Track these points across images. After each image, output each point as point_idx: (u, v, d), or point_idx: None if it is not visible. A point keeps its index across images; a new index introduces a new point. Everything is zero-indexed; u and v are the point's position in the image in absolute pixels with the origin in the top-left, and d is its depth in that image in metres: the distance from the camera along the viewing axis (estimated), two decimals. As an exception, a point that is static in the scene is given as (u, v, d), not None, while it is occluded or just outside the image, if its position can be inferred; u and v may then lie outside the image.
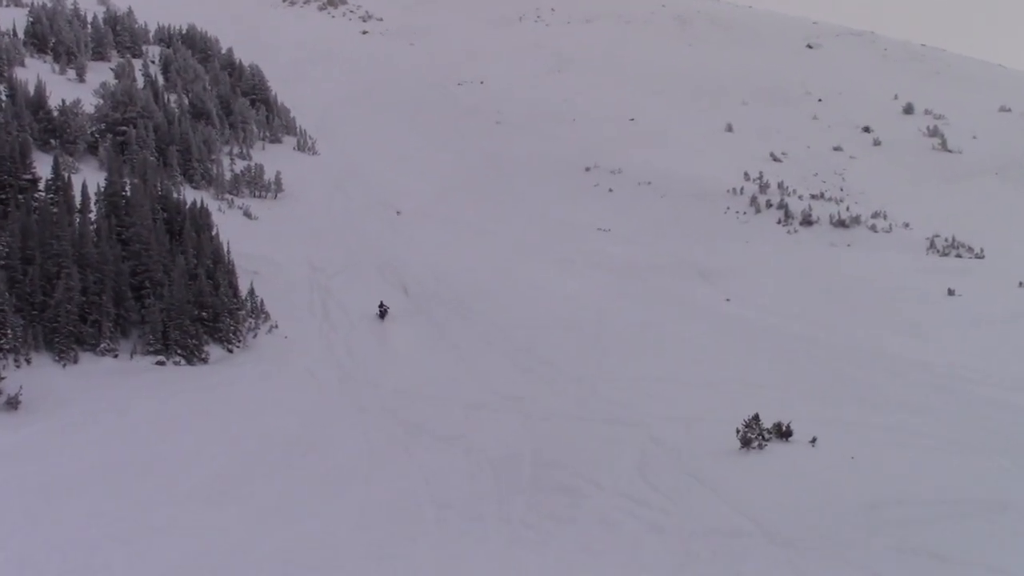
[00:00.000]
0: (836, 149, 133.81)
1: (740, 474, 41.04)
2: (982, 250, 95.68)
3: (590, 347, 62.36)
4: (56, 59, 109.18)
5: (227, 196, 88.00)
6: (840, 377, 56.78)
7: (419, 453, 45.14)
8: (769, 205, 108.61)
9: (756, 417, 44.25)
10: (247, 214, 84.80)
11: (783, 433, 44.64)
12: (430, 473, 42.49)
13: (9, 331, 50.34)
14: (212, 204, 78.08)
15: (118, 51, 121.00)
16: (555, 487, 40.84)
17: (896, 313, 72.16)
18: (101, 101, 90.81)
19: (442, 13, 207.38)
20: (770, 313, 71.84)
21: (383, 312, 67.78)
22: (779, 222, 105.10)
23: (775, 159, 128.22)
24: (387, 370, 57.65)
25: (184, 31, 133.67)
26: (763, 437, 43.82)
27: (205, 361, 57.00)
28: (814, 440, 44.03)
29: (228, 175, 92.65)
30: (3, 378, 47.13)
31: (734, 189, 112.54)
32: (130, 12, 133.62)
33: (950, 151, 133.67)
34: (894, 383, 55.68)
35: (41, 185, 63.12)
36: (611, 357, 60.38)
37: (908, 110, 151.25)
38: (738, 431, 44.12)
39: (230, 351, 58.94)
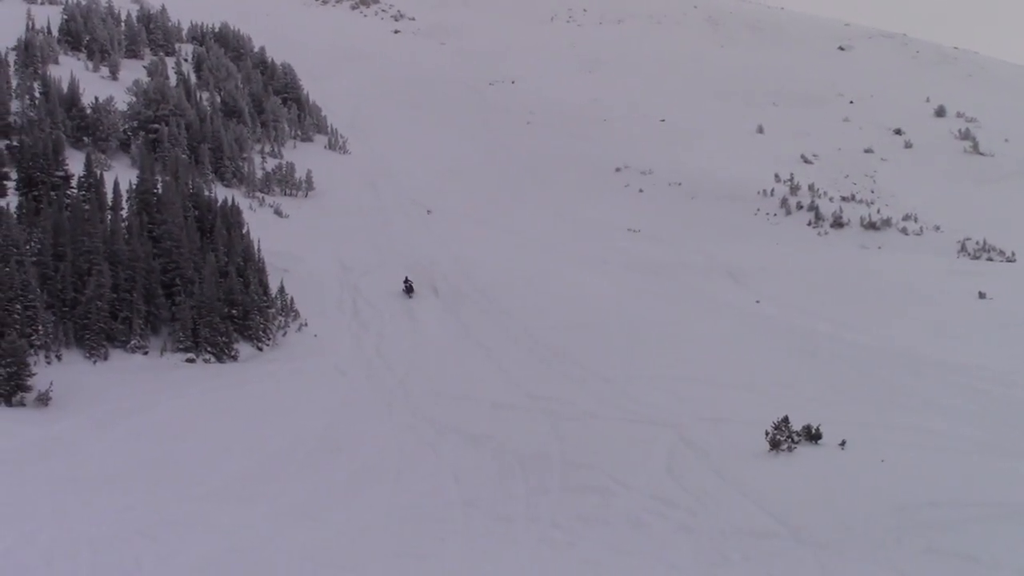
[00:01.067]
0: (867, 151, 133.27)
1: (769, 476, 40.85)
2: (1014, 253, 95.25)
3: (619, 347, 62.22)
4: (90, 57, 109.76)
5: (258, 194, 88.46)
6: (870, 379, 56.43)
7: (448, 452, 45.17)
8: (800, 207, 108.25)
9: (785, 419, 44.08)
10: (278, 212, 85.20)
11: (812, 435, 44.40)
12: (459, 472, 42.51)
13: (40, 328, 50.78)
14: (243, 202, 78.51)
15: (151, 49, 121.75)
16: (584, 487, 40.77)
17: (927, 315, 71.71)
18: (134, 99, 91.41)
19: (474, 13, 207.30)
20: (800, 314, 71.50)
21: (408, 287, 69.71)
22: (809, 224, 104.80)
23: (806, 161, 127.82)
24: (416, 369, 57.67)
25: (217, 29, 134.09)
26: (792, 439, 43.62)
27: (235, 359, 57.32)
28: (843, 443, 43.79)
29: (259, 173, 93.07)
30: (34, 374, 47.55)
31: (765, 190, 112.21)
32: (163, 10, 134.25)
33: (982, 154, 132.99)
34: (925, 385, 55.33)
35: (73, 182, 63.82)
36: (640, 357, 60.23)
37: (940, 112, 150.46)
38: (767, 433, 43.92)
39: (260, 349, 59.23)
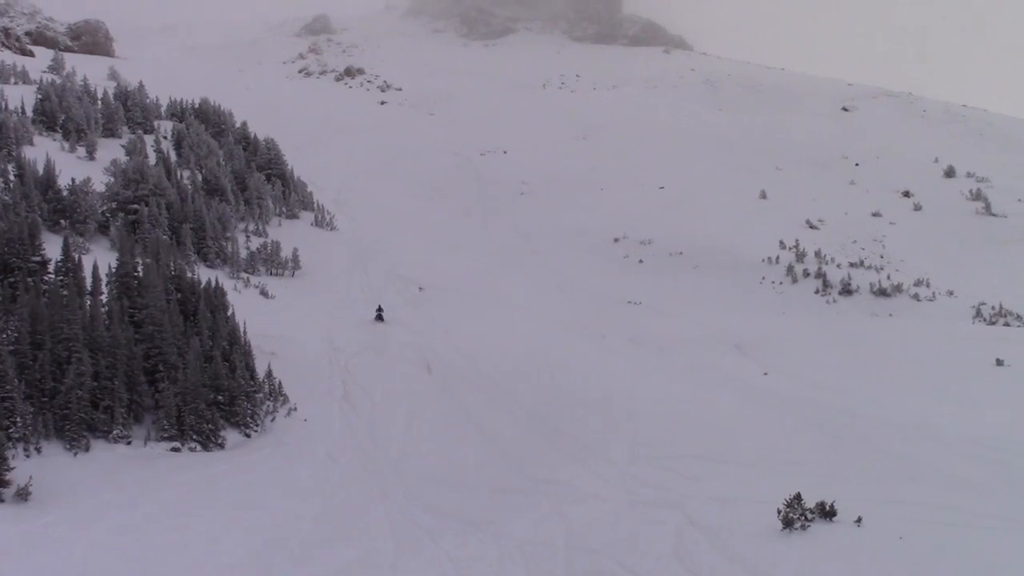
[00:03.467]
0: (875, 215, 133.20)
1: (782, 556, 39.29)
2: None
3: (622, 425, 60.76)
4: (66, 137, 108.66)
5: (243, 274, 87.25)
6: (885, 452, 54.75)
7: (446, 541, 43.61)
8: (806, 274, 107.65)
9: (798, 496, 42.41)
10: (264, 293, 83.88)
11: (827, 513, 42.68)
12: (458, 562, 41.13)
13: (19, 419, 49.07)
14: (227, 283, 77.26)
15: (129, 127, 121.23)
16: (589, 574, 39.36)
17: (942, 385, 70.25)
18: (112, 179, 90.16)
19: (463, 81, 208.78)
20: (810, 386, 70.11)
21: (379, 315, 74.77)
22: (817, 292, 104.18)
23: (811, 226, 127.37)
24: (411, 453, 56.14)
25: (197, 105, 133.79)
26: (805, 517, 41.94)
27: (222, 446, 55.52)
28: (859, 520, 42.04)
29: (244, 253, 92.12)
30: (13, 468, 45.75)
31: (770, 258, 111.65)
32: (141, 87, 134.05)
33: (994, 215, 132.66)
34: (942, 458, 53.61)
35: (51, 267, 62.22)
36: (644, 435, 58.69)
37: (949, 173, 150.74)
38: (779, 511, 42.25)
39: (248, 435, 57.44)
